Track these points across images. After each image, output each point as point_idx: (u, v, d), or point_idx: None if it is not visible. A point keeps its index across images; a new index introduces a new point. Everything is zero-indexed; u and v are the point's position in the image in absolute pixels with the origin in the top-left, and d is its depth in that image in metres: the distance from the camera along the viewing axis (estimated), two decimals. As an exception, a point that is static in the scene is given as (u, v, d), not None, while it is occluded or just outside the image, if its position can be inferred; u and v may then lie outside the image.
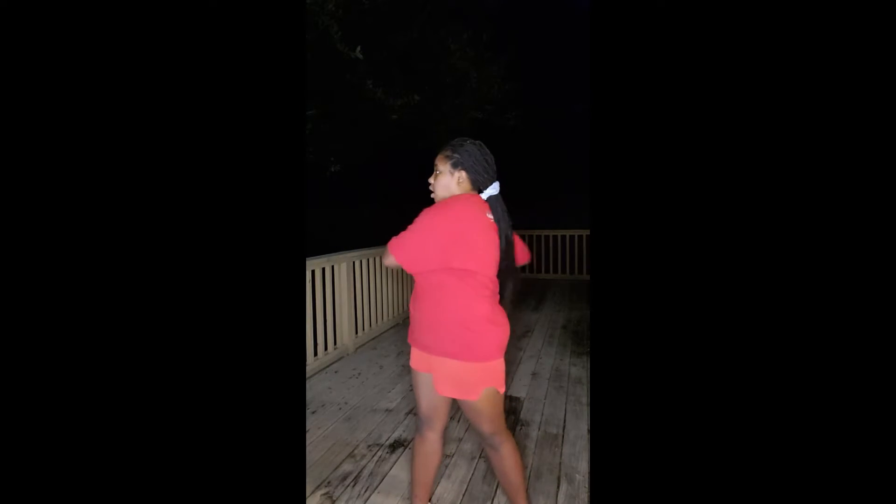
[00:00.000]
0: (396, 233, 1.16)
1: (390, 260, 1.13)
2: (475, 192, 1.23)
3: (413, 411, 2.21)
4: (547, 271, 6.51)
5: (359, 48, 3.86)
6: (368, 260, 3.49)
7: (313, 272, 2.81)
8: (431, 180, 1.25)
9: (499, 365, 1.17)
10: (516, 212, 1.26)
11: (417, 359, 1.25)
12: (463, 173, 1.21)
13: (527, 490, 1.33)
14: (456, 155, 1.20)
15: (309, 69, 4.07)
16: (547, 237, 6.51)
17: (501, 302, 1.22)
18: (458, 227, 1.10)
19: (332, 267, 3.04)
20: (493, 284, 1.17)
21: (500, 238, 1.19)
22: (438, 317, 1.15)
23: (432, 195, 1.25)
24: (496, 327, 1.15)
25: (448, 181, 1.21)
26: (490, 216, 1.18)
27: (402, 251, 1.11)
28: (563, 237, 6.41)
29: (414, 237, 1.10)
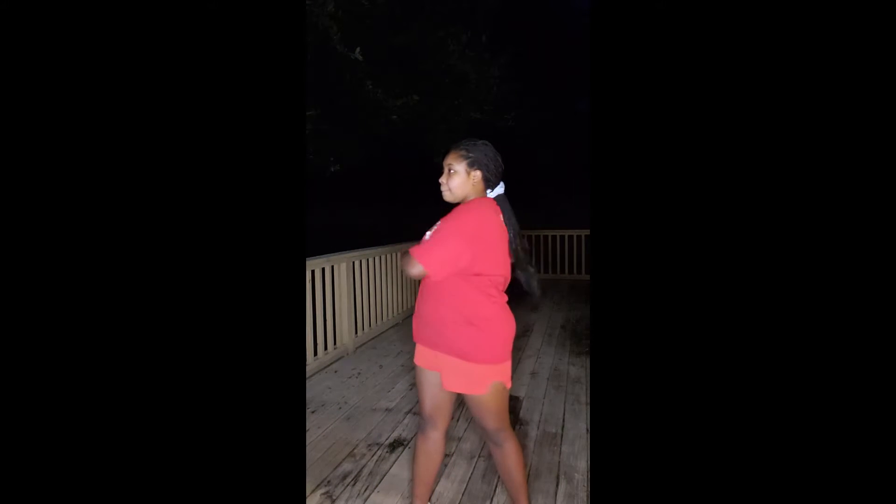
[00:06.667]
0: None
1: (417, 269, 1.09)
2: (485, 193, 1.24)
3: (413, 410, 2.21)
4: (547, 271, 6.51)
5: (358, 49, 3.87)
6: (368, 260, 3.49)
7: (313, 272, 2.81)
8: (444, 180, 1.22)
9: (506, 362, 1.19)
10: (516, 212, 1.27)
11: (423, 356, 1.25)
12: (478, 173, 1.21)
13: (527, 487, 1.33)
14: (472, 155, 1.20)
15: (309, 70, 4.08)
16: (547, 237, 6.51)
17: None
18: (479, 232, 1.12)
19: (332, 267, 3.04)
20: (500, 285, 1.18)
21: (510, 235, 1.21)
22: (445, 315, 1.15)
23: (447, 194, 1.23)
24: (501, 325, 1.17)
25: (464, 181, 1.21)
26: (501, 218, 1.20)
27: (430, 259, 1.09)
28: (563, 237, 6.41)
29: (441, 245, 1.10)
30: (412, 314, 1.46)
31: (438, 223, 1.17)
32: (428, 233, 1.23)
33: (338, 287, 3.10)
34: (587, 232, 6.17)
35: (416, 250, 1.11)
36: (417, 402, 2.24)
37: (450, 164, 1.21)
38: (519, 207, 1.25)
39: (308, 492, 1.58)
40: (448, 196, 1.23)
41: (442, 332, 1.16)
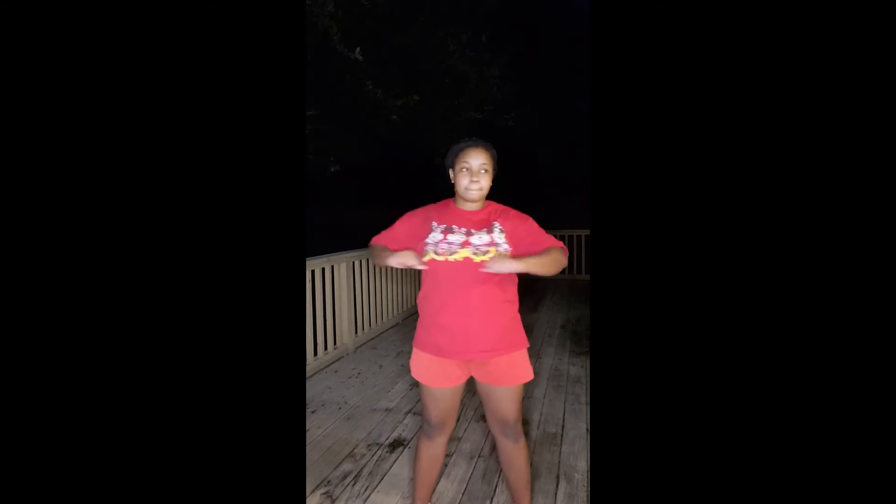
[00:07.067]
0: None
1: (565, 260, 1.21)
2: None
3: (413, 410, 2.21)
4: (546, 271, 6.50)
5: (358, 49, 3.87)
6: (368, 260, 3.49)
7: (313, 272, 2.82)
8: (477, 178, 1.17)
9: None
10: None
11: (446, 372, 1.20)
12: (493, 173, 1.24)
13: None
14: (495, 156, 1.23)
15: (309, 70, 4.08)
16: (546, 237, 6.50)
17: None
18: None
19: (332, 267, 3.04)
20: None
21: None
22: (513, 312, 1.22)
23: (477, 193, 1.18)
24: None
25: (490, 181, 1.22)
26: None
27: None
28: (563, 237, 6.41)
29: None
30: (412, 314, 1.44)
31: (497, 224, 1.19)
32: (450, 236, 1.17)
33: (338, 287, 3.10)
34: (587, 232, 6.17)
35: (562, 244, 1.22)
36: (418, 402, 2.24)
37: (484, 164, 1.17)
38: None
39: (308, 492, 1.58)
40: (477, 195, 1.18)
41: (505, 336, 1.18)
